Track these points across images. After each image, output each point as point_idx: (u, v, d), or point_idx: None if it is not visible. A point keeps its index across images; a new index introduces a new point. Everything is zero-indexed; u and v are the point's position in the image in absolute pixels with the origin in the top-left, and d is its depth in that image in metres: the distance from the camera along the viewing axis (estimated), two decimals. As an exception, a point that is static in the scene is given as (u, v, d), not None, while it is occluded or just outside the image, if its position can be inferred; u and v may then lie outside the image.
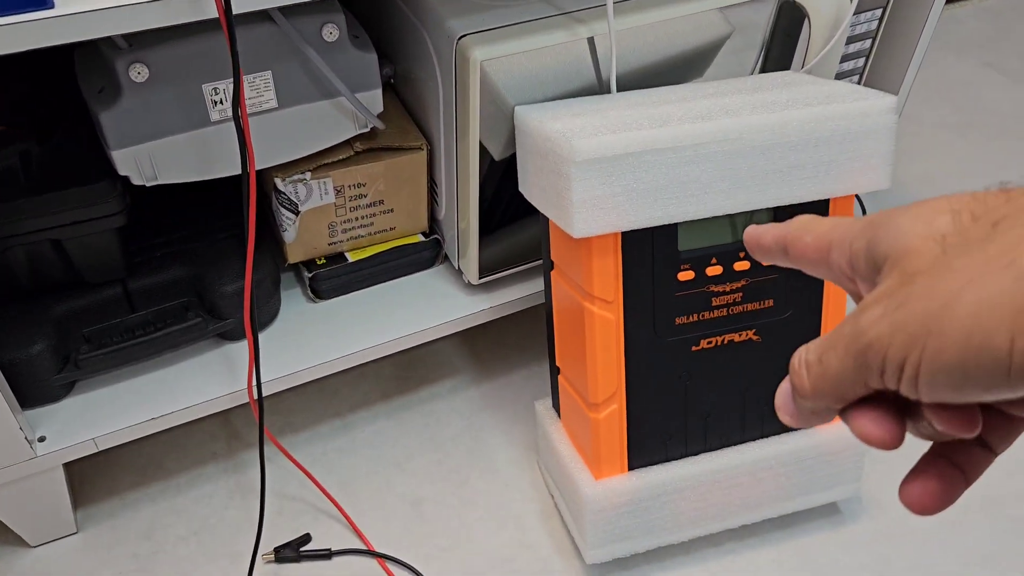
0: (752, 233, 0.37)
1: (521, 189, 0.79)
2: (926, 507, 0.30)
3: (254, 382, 0.75)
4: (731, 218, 0.73)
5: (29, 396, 0.79)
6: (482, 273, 0.89)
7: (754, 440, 0.81)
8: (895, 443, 0.28)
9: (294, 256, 0.88)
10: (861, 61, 0.94)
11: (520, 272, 0.92)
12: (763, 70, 0.88)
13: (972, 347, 0.23)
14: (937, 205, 0.27)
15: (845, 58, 0.92)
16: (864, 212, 1.11)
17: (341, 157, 0.83)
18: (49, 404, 0.81)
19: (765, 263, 0.37)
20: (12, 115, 0.78)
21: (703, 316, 0.75)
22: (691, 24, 0.81)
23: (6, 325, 0.76)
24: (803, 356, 0.29)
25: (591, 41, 0.76)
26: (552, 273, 0.79)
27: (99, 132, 0.73)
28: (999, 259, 0.23)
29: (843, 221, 0.31)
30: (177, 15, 0.57)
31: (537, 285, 0.93)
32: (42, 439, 0.78)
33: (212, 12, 0.58)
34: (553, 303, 0.80)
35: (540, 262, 0.91)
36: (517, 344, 1.04)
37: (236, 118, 0.62)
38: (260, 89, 0.73)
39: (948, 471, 0.30)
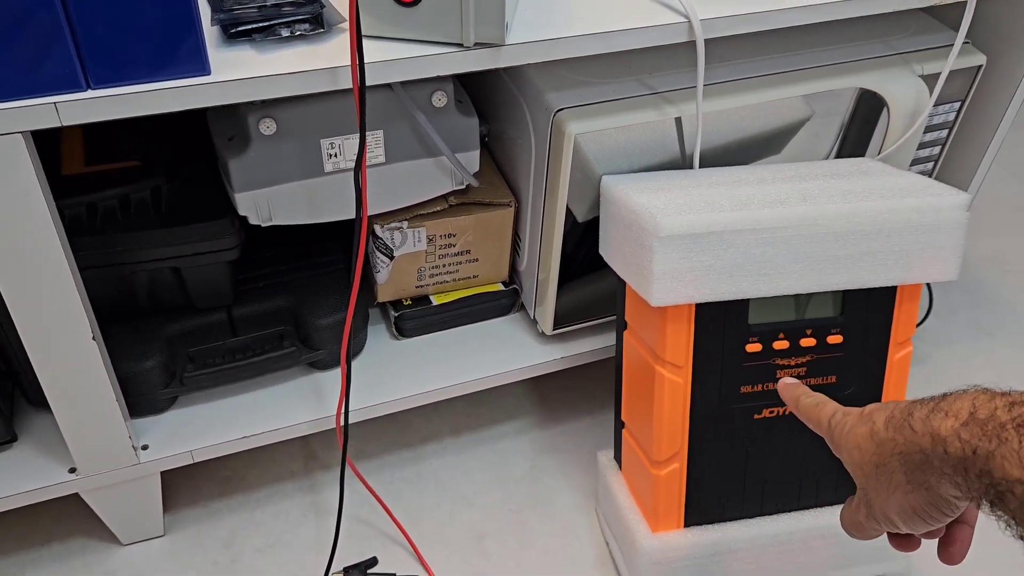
0: (791, 392, 0.64)
1: (601, 252, 0.84)
2: (957, 555, 0.55)
3: (343, 411, 0.81)
4: (801, 297, 0.77)
5: (137, 407, 0.86)
6: (556, 324, 0.94)
7: (809, 508, 0.84)
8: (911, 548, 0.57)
9: (384, 296, 0.95)
10: (937, 149, 0.97)
11: (592, 325, 0.97)
12: (839, 154, 0.92)
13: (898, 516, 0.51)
14: (865, 453, 0.52)
15: (921, 146, 0.95)
16: (931, 294, 1.14)
17: (436, 209, 0.90)
18: (153, 415, 0.88)
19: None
20: (146, 152, 0.87)
21: (767, 387, 0.79)
22: (773, 107, 0.85)
23: (124, 340, 0.84)
24: (847, 528, 0.58)
25: (678, 120, 0.82)
26: (625, 333, 0.83)
27: (224, 174, 0.81)
28: (887, 489, 0.51)
29: (824, 423, 0.58)
30: (316, 85, 0.64)
31: (607, 339, 0.97)
32: (145, 447, 0.85)
33: (347, 84, 0.64)
34: (623, 361, 0.85)
35: (611, 317, 0.95)
36: (583, 392, 1.09)
37: (356, 176, 0.69)
38: (371, 146, 0.80)
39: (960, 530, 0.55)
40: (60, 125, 0.60)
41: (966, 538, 0.54)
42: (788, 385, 0.64)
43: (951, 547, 0.55)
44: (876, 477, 0.51)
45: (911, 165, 0.97)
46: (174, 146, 0.89)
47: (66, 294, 0.69)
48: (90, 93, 0.60)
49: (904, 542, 0.57)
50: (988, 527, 0.48)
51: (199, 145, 0.86)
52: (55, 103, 0.59)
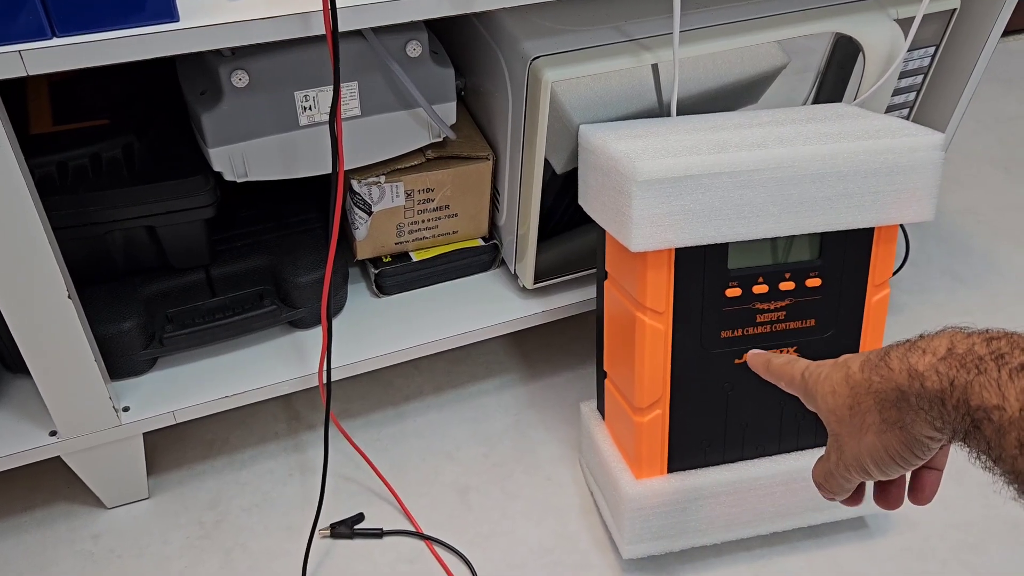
0: (760, 359, 0.65)
1: (581, 202, 0.84)
2: (925, 499, 0.57)
3: (325, 368, 0.81)
4: (779, 240, 0.77)
5: (116, 369, 0.85)
6: (537, 278, 0.94)
7: (789, 452, 0.85)
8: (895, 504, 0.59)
9: (363, 253, 0.94)
10: (912, 95, 0.98)
11: (572, 279, 0.97)
12: (816, 100, 0.92)
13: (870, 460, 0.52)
14: (839, 397, 0.53)
15: (896, 92, 0.96)
16: (907, 241, 1.15)
17: (413, 163, 0.89)
18: (133, 377, 0.87)
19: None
20: (115, 109, 0.85)
21: (747, 331, 0.79)
22: (750, 54, 0.85)
23: (101, 302, 0.83)
24: (818, 480, 0.59)
25: (655, 67, 0.81)
26: (606, 283, 0.84)
27: (197, 130, 0.79)
28: (859, 431, 0.52)
29: (797, 377, 0.59)
30: (288, 31, 0.63)
31: (587, 292, 0.98)
32: (126, 409, 0.85)
33: (319, 30, 0.64)
34: (605, 311, 0.85)
35: (591, 270, 0.96)
36: (564, 347, 1.09)
37: (332, 126, 0.68)
38: (346, 98, 0.79)
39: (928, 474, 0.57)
40: (26, 74, 0.59)
41: (935, 482, 0.57)
42: (756, 353, 0.65)
43: (921, 492, 0.57)
44: (849, 420, 0.52)
45: (886, 111, 0.98)
46: (145, 103, 0.87)
47: (39, 252, 0.68)
48: (56, 41, 0.59)
49: (886, 498, 0.58)
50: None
51: (170, 101, 0.85)
52: (20, 51, 0.58)
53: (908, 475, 0.57)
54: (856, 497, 0.59)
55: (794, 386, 0.59)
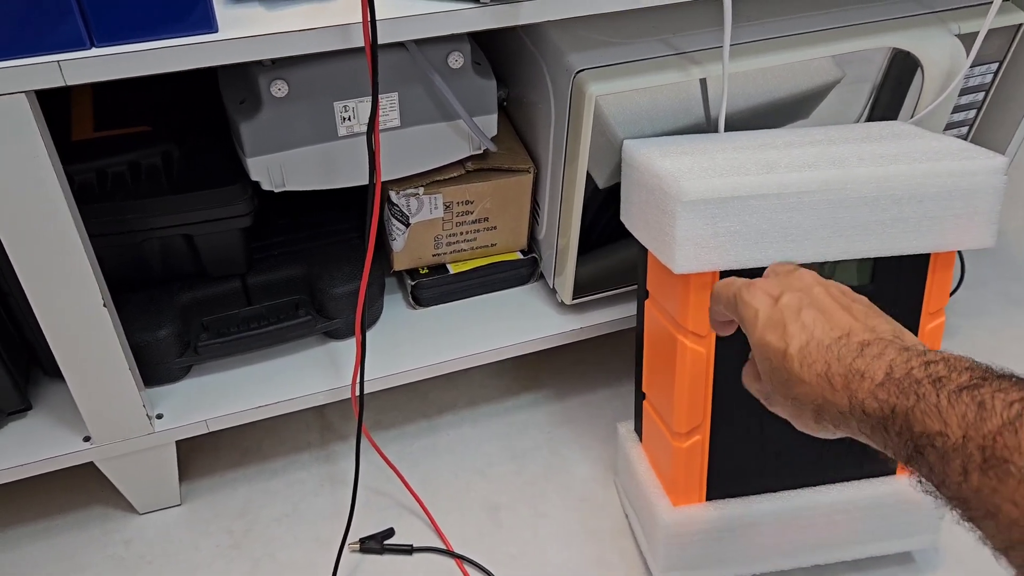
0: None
1: (623, 218, 0.82)
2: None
3: (358, 380, 0.80)
4: (829, 264, 0.74)
5: (151, 376, 0.85)
6: (576, 294, 0.92)
7: (832, 483, 0.82)
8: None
9: (400, 264, 0.93)
10: (972, 113, 0.94)
11: (611, 296, 0.95)
12: (870, 117, 0.89)
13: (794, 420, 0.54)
14: (777, 372, 0.52)
15: (956, 109, 0.92)
16: (963, 264, 1.11)
17: (453, 175, 0.87)
18: (167, 384, 0.87)
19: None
20: (156, 116, 0.85)
21: (793, 358, 0.76)
22: (802, 69, 0.82)
23: (137, 309, 0.83)
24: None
25: (703, 82, 0.79)
26: (646, 302, 0.81)
27: (236, 139, 0.79)
28: (794, 408, 0.53)
29: (731, 297, 0.58)
30: (328, 43, 0.62)
31: (626, 310, 0.95)
32: (160, 416, 0.85)
33: (359, 42, 0.62)
34: (645, 331, 0.83)
35: (631, 287, 0.93)
36: (600, 363, 1.07)
37: (369, 139, 0.67)
38: (386, 109, 0.78)
39: None
40: (64, 85, 0.58)
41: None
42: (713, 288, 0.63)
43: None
44: (784, 394, 0.52)
45: (945, 129, 0.94)
46: (185, 111, 0.87)
47: (76, 261, 0.68)
48: (95, 51, 0.58)
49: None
50: None
51: (210, 110, 0.84)
52: (59, 62, 0.57)
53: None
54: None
55: (730, 308, 0.58)
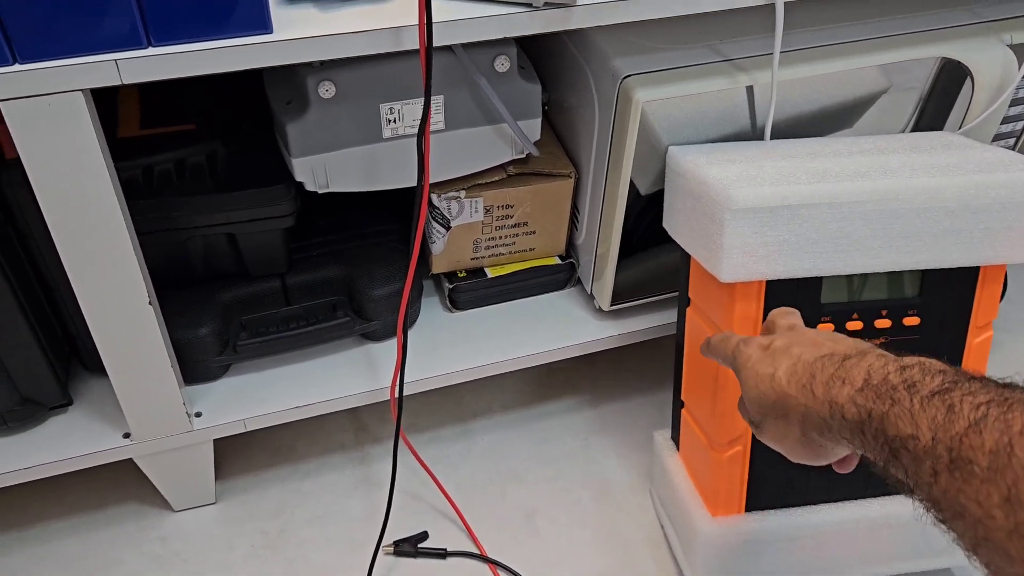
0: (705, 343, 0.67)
1: (665, 225, 0.81)
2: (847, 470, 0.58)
3: (397, 383, 0.80)
4: (876, 276, 0.73)
5: (190, 374, 0.86)
6: (614, 300, 0.92)
7: (874, 497, 0.81)
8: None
9: (439, 267, 0.93)
10: (1021, 124, 0.92)
11: (650, 302, 0.94)
12: (917, 127, 0.88)
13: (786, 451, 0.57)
14: (765, 397, 0.56)
15: (1005, 120, 0.90)
16: (1006, 282, 1.09)
17: (494, 179, 0.87)
18: (206, 383, 0.87)
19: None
20: (202, 115, 0.85)
21: (838, 369, 0.75)
22: (849, 77, 0.81)
23: (179, 307, 0.83)
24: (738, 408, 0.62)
25: (750, 89, 0.78)
26: (688, 310, 0.81)
27: (281, 139, 0.79)
28: (781, 429, 0.55)
29: (730, 352, 0.61)
30: (380, 45, 0.62)
31: (664, 317, 0.95)
32: (199, 414, 0.85)
33: (411, 45, 0.62)
34: (686, 339, 0.82)
35: (671, 294, 0.92)
36: (637, 370, 1.07)
37: (419, 142, 0.67)
38: (432, 111, 0.78)
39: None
40: (120, 83, 0.59)
41: (854, 459, 0.58)
42: (706, 339, 0.67)
43: (843, 463, 0.58)
44: (773, 418, 0.55)
45: (993, 141, 0.93)
46: (230, 110, 0.87)
47: (123, 257, 0.69)
48: (151, 51, 0.59)
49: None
50: None
51: (255, 109, 0.85)
52: (116, 60, 0.58)
53: None
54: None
55: (727, 362, 0.62)
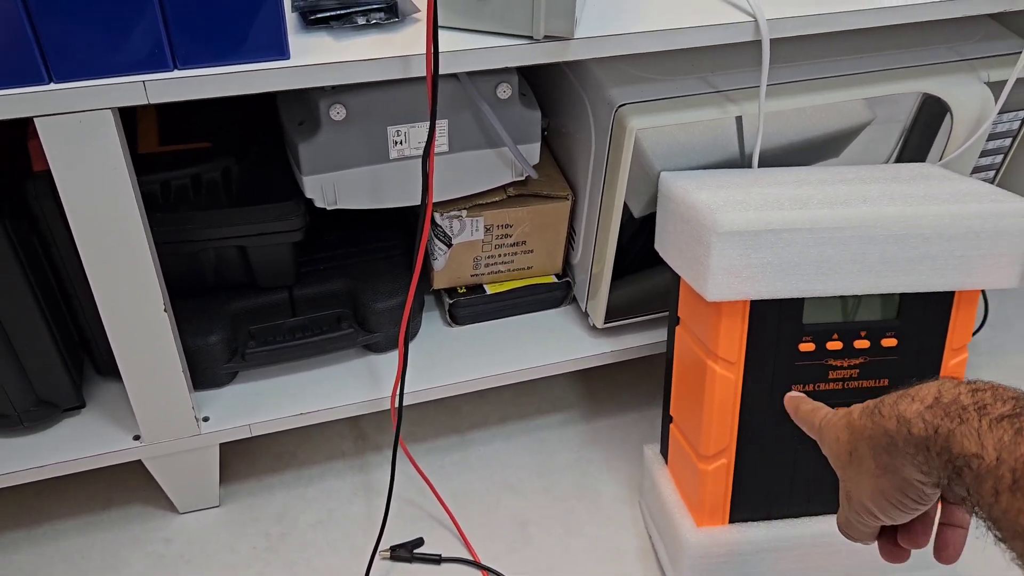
0: (793, 402, 0.65)
1: (657, 247, 0.85)
2: (950, 557, 0.57)
3: (398, 393, 0.83)
4: (857, 298, 0.77)
5: (199, 380, 0.89)
6: (608, 318, 0.95)
7: (854, 511, 0.84)
8: (900, 559, 0.60)
9: (439, 283, 0.97)
10: (1000, 158, 0.97)
11: (642, 321, 0.98)
12: (900, 158, 0.92)
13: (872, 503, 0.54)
14: (841, 442, 0.56)
15: (984, 154, 0.95)
16: (986, 303, 1.13)
17: (494, 199, 0.91)
18: (214, 389, 0.91)
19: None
20: (217, 133, 0.89)
21: (819, 387, 0.79)
22: (835, 109, 0.85)
23: (190, 315, 0.87)
24: (840, 526, 0.60)
25: (739, 119, 0.82)
26: (677, 328, 0.84)
27: (292, 157, 0.83)
28: (859, 475, 0.54)
29: (816, 423, 0.61)
30: (390, 72, 0.66)
31: (657, 335, 0.98)
32: (206, 419, 0.88)
33: (419, 72, 0.66)
34: (675, 356, 0.86)
35: (662, 313, 0.96)
36: (630, 386, 1.10)
37: (424, 164, 0.71)
38: (436, 134, 0.82)
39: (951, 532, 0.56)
40: (147, 103, 0.63)
41: (958, 540, 0.57)
42: (792, 396, 0.66)
43: (944, 550, 0.57)
44: (850, 464, 0.55)
45: (972, 173, 0.97)
46: (244, 128, 0.91)
47: (142, 267, 0.72)
48: (176, 73, 0.63)
49: (893, 552, 0.59)
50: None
51: (268, 127, 0.89)
52: (144, 81, 0.62)
53: (932, 532, 0.58)
54: (896, 552, 0.60)
55: (813, 433, 0.61)
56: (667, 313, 0.87)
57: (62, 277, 0.81)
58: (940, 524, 0.57)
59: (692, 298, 0.79)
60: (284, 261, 0.89)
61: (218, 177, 0.86)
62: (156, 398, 0.82)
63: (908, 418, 0.49)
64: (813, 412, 0.62)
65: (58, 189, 0.66)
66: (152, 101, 0.63)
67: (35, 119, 0.62)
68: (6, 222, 0.73)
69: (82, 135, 0.63)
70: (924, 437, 0.48)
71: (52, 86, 0.61)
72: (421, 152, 0.79)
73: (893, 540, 0.59)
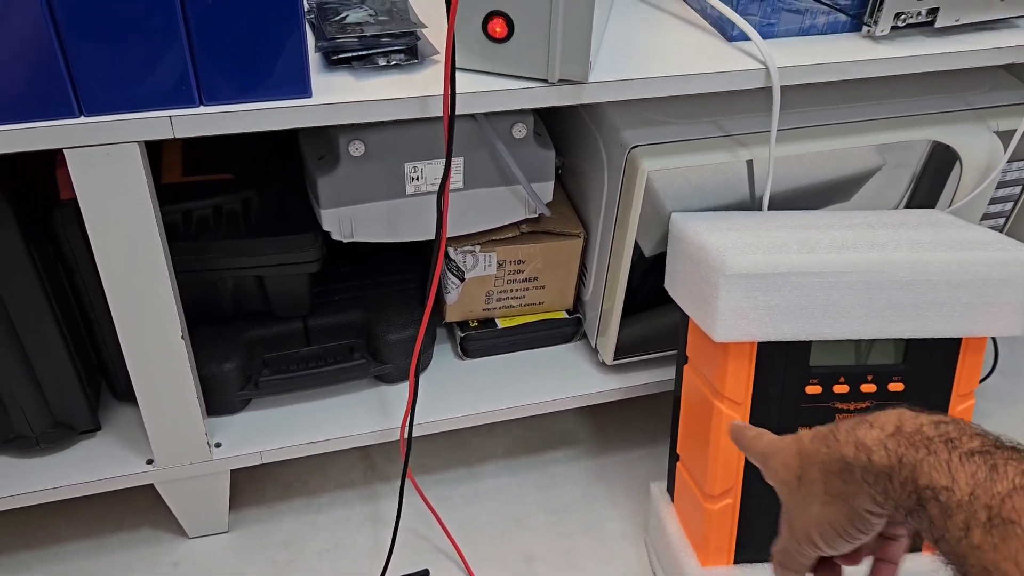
0: (737, 431, 0.63)
1: (667, 286, 0.87)
2: None
3: (407, 425, 0.84)
4: (864, 342, 0.78)
5: (212, 406, 0.91)
6: (617, 355, 0.96)
7: (860, 555, 0.84)
8: None
9: (452, 316, 0.98)
10: (1009, 205, 0.97)
11: (651, 359, 0.99)
12: (909, 205, 0.93)
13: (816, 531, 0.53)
14: (790, 468, 0.54)
15: (993, 201, 0.96)
16: (996, 350, 1.13)
17: (508, 235, 0.93)
18: (227, 415, 0.92)
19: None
20: (239, 165, 0.92)
21: (825, 429, 0.79)
22: (844, 155, 0.87)
23: (206, 342, 0.89)
24: (776, 557, 0.57)
25: (750, 163, 0.84)
26: (685, 367, 0.85)
27: (312, 191, 0.85)
28: (806, 501, 0.53)
29: (760, 449, 0.59)
30: (408, 112, 0.69)
31: (666, 373, 0.99)
32: (218, 445, 0.90)
33: (436, 112, 0.68)
34: (682, 395, 0.86)
35: (671, 351, 0.97)
36: (638, 423, 1.10)
37: (439, 200, 0.73)
38: (452, 172, 0.84)
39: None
40: (173, 137, 0.65)
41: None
42: (735, 425, 0.64)
43: (850, 558, 0.56)
44: (797, 490, 0.53)
45: (981, 220, 0.98)
46: (266, 161, 0.94)
47: (162, 294, 0.74)
48: (202, 109, 0.65)
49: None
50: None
51: (288, 161, 0.91)
52: (170, 117, 0.64)
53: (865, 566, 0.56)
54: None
55: (757, 460, 0.59)
56: (676, 352, 0.88)
57: (83, 302, 0.83)
58: (876, 559, 0.56)
59: (700, 338, 0.80)
60: (300, 291, 0.91)
61: (239, 208, 0.89)
62: (170, 423, 0.84)
63: (868, 445, 0.48)
64: (757, 438, 0.60)
65: (83, 217, 0.68)
66: (178, 136, 0.65)
67: (64, 150, 0.64)
68: (32, 247, 0.75)
69: (109, 166, 0.66)
70: (887, 466, 0.46)
71: (82, 119, 0.63)
72: (437, 188, 0.81)
73: (826, 568, 0.57)
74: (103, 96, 0.63)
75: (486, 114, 0.81)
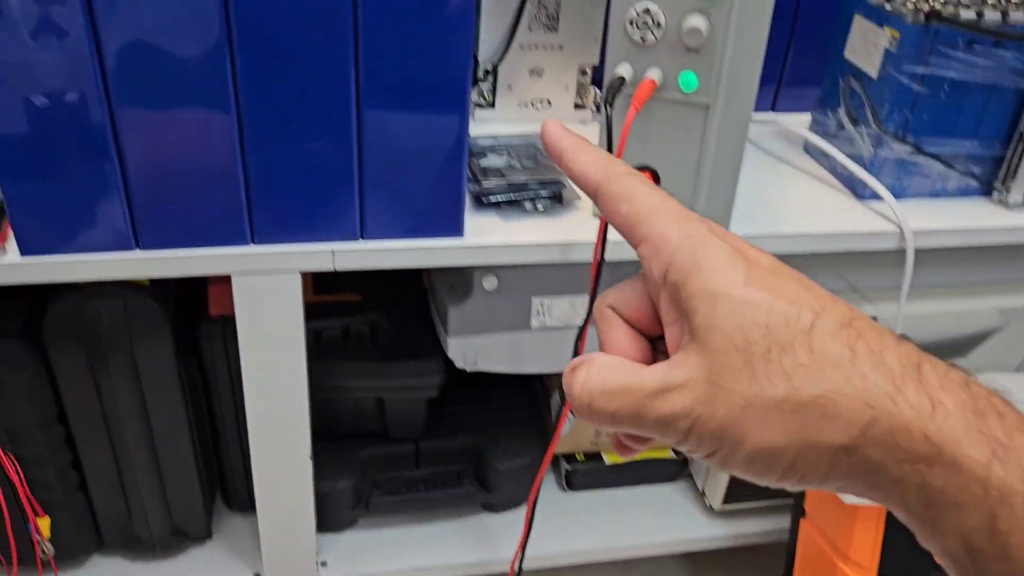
0: (551, 131, 0.36)
1: (785, 436, 0.86)
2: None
3: (517, 562, 0.84)
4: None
5: (321, 523, 0.91)
6: (726, 500, 0.95)
7: None
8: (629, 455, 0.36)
9: (561, 447, 0.98)
10: None
11: (761, 507, 0.97)
12: (1034, 367, 0.91)
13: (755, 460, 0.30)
14: (757, 309, 0.29)
15: (1123, 370, 0.93)
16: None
17: (623, 372, 0.94)
18: (334, 533, 0.93)
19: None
20: (368, 288, 0.96)
21: (956, 601, 0.76)
22: (967, 313, 0.86)
23: (323, 459, 0.90)
24: (588, 386, 0.32)
25: (874, 319, 0.84)
26: (802, 521, 0.83)
27: (440, 319, 0.88)
28: (775, 404, 0.29)
29: (668, 218, 0.32)
30: (550, 257, 0.71)
31: (777, 522, 0.97)
32: (324, 564, 0.90)
33: (577, 259, 0.71)
34: (798, 550, 0.84)
35: (784, 499, 0.95)
36: (740, 572, 1.07)
37: (576, 342, 0.75)
38: (577, 307, 0.86)
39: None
40: (333, 270, 0.69)
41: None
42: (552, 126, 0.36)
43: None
44: (757, 382, 0.29)
45: (1110, 387, 0.95)
46: (391, 284, 0.97)
47: (298, 413, 0.77)
48: (362, 244, 0.69)
49: (625, 450, 0.36)
50: None
51: (415, 286, 0.95)
52: (333, 251, 0.68)
53: None
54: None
55: (666, 256, 0.32)
56: (790, 500, 0.86)
57: (215, 413, 0.86)
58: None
59: (824, 494, 0.79)
60: (417, 414, 0.93)
61: (366, 330, 0.92)
62: (285, 538, 0.85)
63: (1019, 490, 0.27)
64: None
65: (238, 335, 0.72)
66: (338, 268, 0.68)
67: (233, 275, 0.68)
68: (180, 360, 0.79)
69: (270, 292, 0.69)
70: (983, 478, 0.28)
71: (253, 248, 0.67)
72: (560, 323, 0.83)
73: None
74: (275, 226, 0.67)
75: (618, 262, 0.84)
